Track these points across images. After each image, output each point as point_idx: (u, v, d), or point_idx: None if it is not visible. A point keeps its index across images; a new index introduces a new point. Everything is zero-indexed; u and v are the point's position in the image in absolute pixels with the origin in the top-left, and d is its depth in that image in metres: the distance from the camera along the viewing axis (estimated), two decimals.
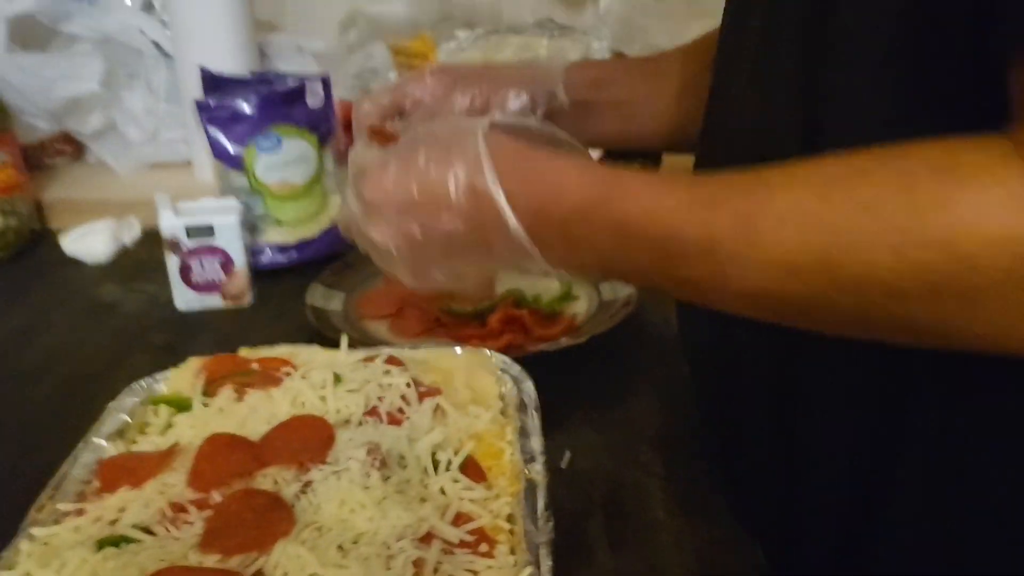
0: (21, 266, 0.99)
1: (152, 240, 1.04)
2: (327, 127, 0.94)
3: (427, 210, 0.46)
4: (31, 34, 1.07)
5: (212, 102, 0.89)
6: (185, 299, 0.86)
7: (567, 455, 0.63)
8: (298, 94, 0.91)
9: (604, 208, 0.43)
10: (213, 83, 0.96)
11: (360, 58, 1.42)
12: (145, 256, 1.00)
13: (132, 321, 0.86)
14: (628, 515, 0.57)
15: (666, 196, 0.43)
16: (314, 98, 0.92)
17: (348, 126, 0.68)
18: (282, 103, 0.91)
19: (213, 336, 0.81)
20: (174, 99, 1.13)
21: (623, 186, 0.44)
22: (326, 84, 0.93)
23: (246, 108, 0.89)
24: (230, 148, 0.90)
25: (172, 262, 0.85)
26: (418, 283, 0.51)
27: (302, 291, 0.86)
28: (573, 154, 0.49)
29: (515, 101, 0.67)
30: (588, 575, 0.52)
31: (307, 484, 0.49)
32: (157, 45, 1.12)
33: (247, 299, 0.88)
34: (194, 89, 0.98)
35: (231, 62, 1.04)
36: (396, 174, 0.47)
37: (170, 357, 0.69)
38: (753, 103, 0.51)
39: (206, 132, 0.90)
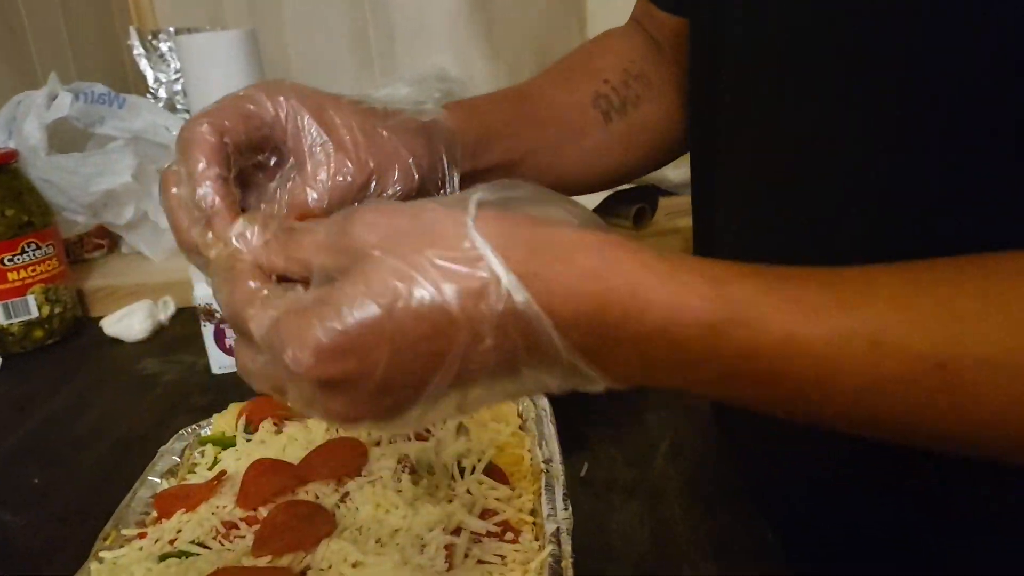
0: (67, 350, 1.05)
1: (185, 316, 1.11)
2: None
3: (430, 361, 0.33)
4: (68, 137, 1.17)
5: None
6: (220, 363, 0.92)
7: (585, 465, 0.67)
8: None
9: (718, 335, 0.33)
10: None
11: None
12: (180, 331, 1.07)
13: (173, 388, 0.91)
14: (647, 513, 0.61)
15: (813, 323, 0.33)
16: None
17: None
18: None
19: (248, 393, 0.86)
20: None
21: (749, 306, 0.33)
22: None
23: None
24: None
25: (207, 329, 0.91)
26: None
27: None
28: (624, 240, 0.35)
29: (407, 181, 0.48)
30: (611, 565, 0.56)
31: (345, 495, 0.54)
32: None
33: None
34: None
35: None
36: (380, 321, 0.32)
37: (211, 415, 0.75)
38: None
39: None
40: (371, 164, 0.46)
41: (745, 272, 0.34)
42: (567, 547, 0.48)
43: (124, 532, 0.54)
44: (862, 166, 0.46)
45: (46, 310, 1.04)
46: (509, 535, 0.50)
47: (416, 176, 0.48)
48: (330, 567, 0.46)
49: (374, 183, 0.46)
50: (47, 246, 1.04)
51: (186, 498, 0.55)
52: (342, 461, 0.57)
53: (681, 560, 0.56)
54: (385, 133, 0.47)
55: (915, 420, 0.33)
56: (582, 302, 0.33)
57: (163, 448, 0.64)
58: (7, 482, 0.75)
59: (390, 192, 0.47)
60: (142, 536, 0.53)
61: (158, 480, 0.60)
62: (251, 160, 0.45)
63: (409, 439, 0.60)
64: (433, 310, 0.32)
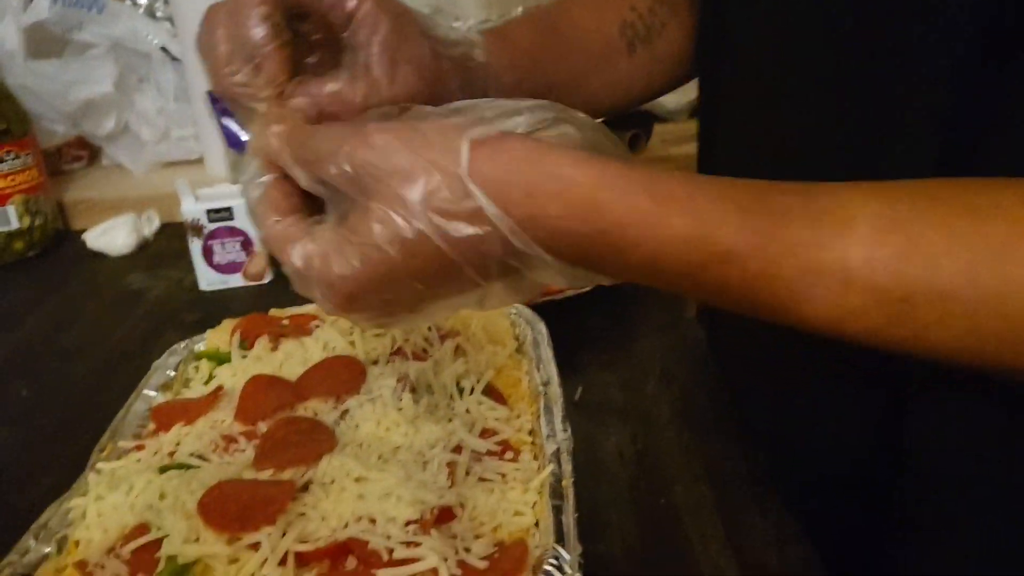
0: (49, 262, 1.03)
1: (170, 231, 1.09)
2: None
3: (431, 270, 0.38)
4: (44, 43, 1.12)
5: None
6: (208, 280, 0.91)
7: (579, 389, 0.67)
8: None
9: (696, 274, 0.37)
10: None
11: None
12: (165, 246, 1.05)
13: (160, 304, 0.90)
14: (640, 436, 0.62)
15: (790, 260, 0.36)
16: None
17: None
18: None
19: (239, 311, 0.85)
20: (182, 99, 1.18)
21: (729, 249, 0.36)
22: None
23: None
24: (243, 136, 0.94)
25: (195, 245, 0.90)
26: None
27: None
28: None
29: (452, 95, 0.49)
30: (604, 485, 0.57)
31: (344, 412, 0.54)
32: (164, 49, 1.16)
33: (267, 277, 0.92)
34: (202, 87, 1.03)
35: None
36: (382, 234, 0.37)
37: (201, 332, 0.74)
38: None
39: (219, 123, 0.94)
40: (425, 93, 0.46)
41: (729, 208, 0.36)
42: (567, 467, 0.49)
43: (121, 444, 0.54)
44: (870, 89, 0.45)
45: (26, 221, 1.02)
46: (509, 454, 0.51)
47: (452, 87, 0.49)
48: (333, 482, 0.46)
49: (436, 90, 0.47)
50: (26, 155, 1.01)
51: (184, 412, 0.55)
52: (341, 379, 0.56)
53: (674, 482, 0.57)
54: (446, 66, 0.48)
55: (880, 344, 0.37)
56: (576, 239, 0.36)
57: (157, 362, 0.64)
58: None
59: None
60: (140, 448, 0.53)
61: (153, 393, 0.60)
62: (304, 28, 0.45)
63: (408, 359, 0.60)
64: (436, 255, 0.37)
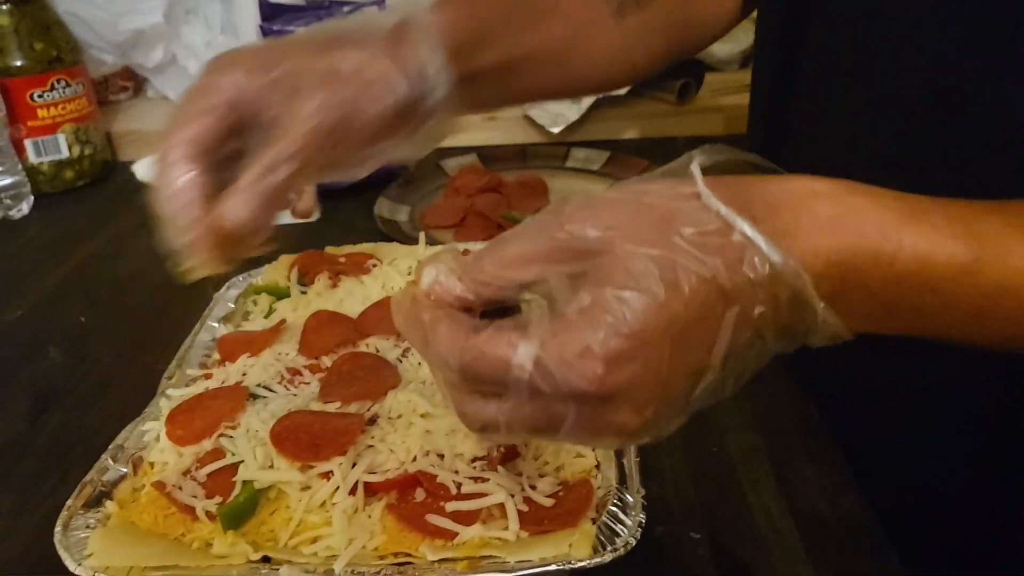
0: (99, 192, 1.05)
1: None
2: None
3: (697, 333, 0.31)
4: None
5: (275, 28, 0.93)
6: None
7: None
8: None
9: (970, 275, 0.33)
10: (271, 11, 1.00)
11: None
12: None
13: None
14: None
15: None
16: None
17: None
18: None
19: (289, 248, 0.86)
20: (228, 32, 1.17)
21: (999, 245, 0.33)
22: (381, 7, 0.97)
23: None
24: None
25: None
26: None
27: (364, 208, 0.91)
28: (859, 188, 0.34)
29: (386, 97, 0.45)
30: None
31: (406, 350, 0.55)
32: None
33: (315, 215, 0.93)
34: (250, 20, 1.02)
35: None
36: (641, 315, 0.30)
37: (253, 266, 0.75)
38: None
39: None
40: (337, 97, 0.43)
41: (986, 208, 0.34)
42: None
43: (189, 372, 0.55)
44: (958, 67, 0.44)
45: (76, 151, 1.03)
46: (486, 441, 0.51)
47: (401, 87, 0.45)
48: (399, 416, 0.48)
49: (354, 113, 0.43)
50: (76, 84, 1.01)
51: (249, 343, 0.56)
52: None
53: (725, 431, 0.57)
54: (350, 57, 0.44)
55: None
56: (832, 251, 0.32)
57: (217, 295, 0.65)
58: (55, 321, 0.76)
59: (372, 114, 0.44)
60: (207, 377, 0.54)
61: (216, 325, 0.61)
62: (232, 148, 0.44)
63: None
64: (702, 288, 0.30)
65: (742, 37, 1.20)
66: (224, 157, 0.43)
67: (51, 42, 0.99)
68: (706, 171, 0.33)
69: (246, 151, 0.43)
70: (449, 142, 0.81)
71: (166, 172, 0.42)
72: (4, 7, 0.96)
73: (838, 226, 0.32)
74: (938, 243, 0.32)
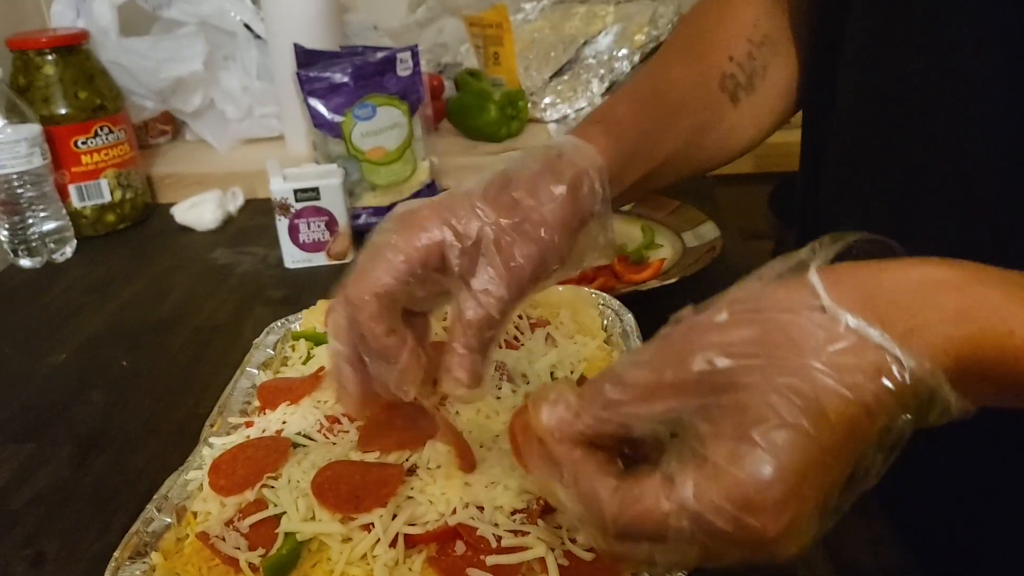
0: (139, 235, 1.07)
1: (253, 208, 1.12)
2: (416, 96, 1.00)
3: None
4: (134, 20, 1.15)
5: (311, 74, 0.95)
6: (293, 258, 0.93)
7: None
8: (389, 64, 0.97)
9: None
10: (307, 58, 1.02)
11: (431, 33, 1.49)
12: (248, 222, 1.08)
13: (247, 279, 0.93)
14: None
15: None
16: (404, 68, 0.98)
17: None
18: (375, 73, 0.97)
19: (324, 289, 0.87)
20: (264, 77, 1.20)
21: None
22: (415, 55, 0.99)
23: (343, 79, 0.95)
24: (329, 117, 0.96)
25: (281, 224, 0.92)
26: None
27: None
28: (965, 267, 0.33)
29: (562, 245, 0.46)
30: None
31: (444, 398, 0.55)
32: (248, 27, 1.19)
33: (350, 257, 0.94)
34: (287, 66, 1.05)
35: (319, 40, 1.10)
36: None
37: (289, 308, 0.76)
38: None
39: (306, 103, 0.96)
40: (533, 247, 0.44)
41: None
42: None
43: (230, 420, 0.56)
44: (997, 139, 0.44)
45: (118, 195, 1.06)
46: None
47: (574, 222, 0.46)
48: (438, 467, 0.48)
49: (548, 256, 0.45)
50: (119, 130, 1.04)
51: (289, 391, 0.57)
52: (438, 364, 0.58)
53: None
54: (530, 202, 0.45)
55: None
56: (961, 346, 0.31)
57: (256, 341, 0.66)
58: (97, 365, 0.77)
59: (564, 251, 0.45)
60: (248, 425, 0.55)
61: (256, 371, 0.62)
62: (427, 293, 0.45)
63: (501, 347, 0.61)
64: (848, 411, 0.30)
65: None
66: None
67: (95, 91, 1.02)
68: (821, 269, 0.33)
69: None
70: None
71: (370, 327, 0.43)
72: (50, 57, 0.99)
73: (964, 319, 0.31)
74: (1005, 290, 0.32)
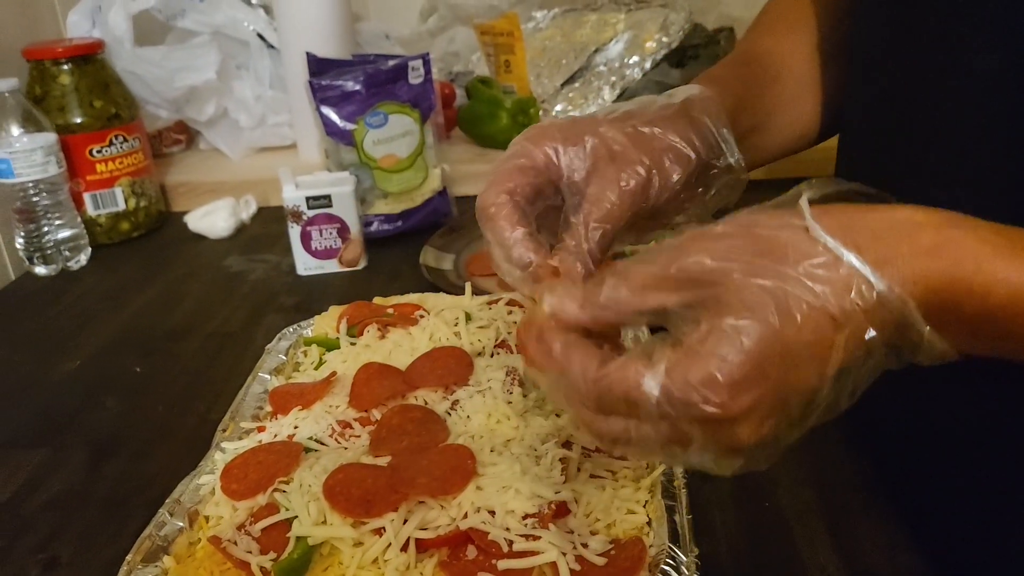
0: (153, 243, 1.08)
1: (266, 216, 1.12)
2: (427, 103, 1.00)
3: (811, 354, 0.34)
4: (148, 30, 1.16)
5: (323, 82, 0.96)
6: (306, 265, 0.94)
7: None
8: (401, 72, 0.98)
9: None
10: (319, 66, 1.02)
11: (442, 42, 1.49)
12: (260, 230, 1.09)
13: (260, 286, 0.93)
14: None
15: None
16: (416, 76, 0.99)
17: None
18: (387, 81, 0.97)
19: (336, 296, 0.88)
20: (277, 86, 1.21)
21: None
22: (426, 63, 0.99)
23: (355, 87, 0.95)
24: (341, 125, 0.97)
25: (293, 231, 0.92)
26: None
27: (410, 256, 0.93)
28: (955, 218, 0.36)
29: (682, 163, 0.50)
30: (706, 487, 0.57)
31: (455, 403, 0.55)
32: (261, 36, 1.20)
33: (361, 264, 0.95)
34: (299, 75, 1.05)
35: (332, 49, 1.11)
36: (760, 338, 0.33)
37: (301, 315, 0.77)
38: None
39: (319, 111, 0.97)
40: (645, 161, 0.47)
41: None
42: (678, 468, 0.49)
43: (243, 425, 0.56)
44: None
45: (132, 203, 1.06)
46: (617, 452, 0.52)
47: (692, 155, 0.49)
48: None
49: (655, 177, 0.47)
50: (133, 139, 1.05)
51: (300, 396, 0.57)
52: (449, 369, 0.58)
53: (776, 486, 0.57)
54: (645, 129, 0.49)
55: None
56: (930, 278, 0.34)
57: (269, 346, 0.66)
58: (111, 371, 0.78)
59: (675, 179, 0.48)
60: (260, 430, 0.55)
61: (268, 377, 0.62)
62: (542, 206, 0.48)
63: (512, 352, 0.61)
64: (813, 315, 0.33)
65: None
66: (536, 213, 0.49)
67: (110, 100, 1.03)
68: (814, 203, 0.35)
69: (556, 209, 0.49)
70: None
71: (495, 221, 0.46)
72: (66, 67, 1.00)
73: (936, 255, 0.34)
74: (979, 235, 0.34)
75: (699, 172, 0.50)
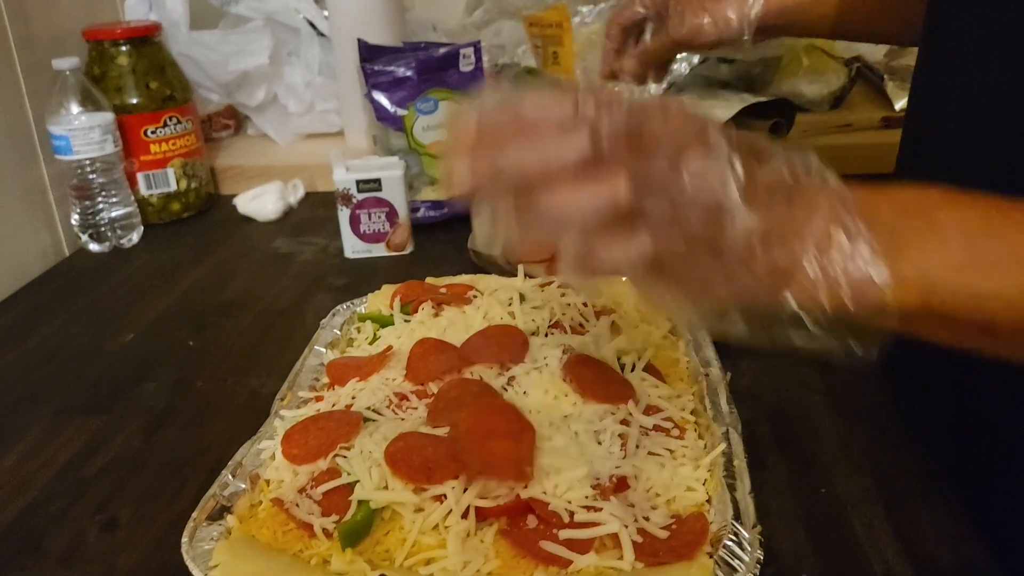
0: (203, 224, 1.09)
1: (313, 201, 1.14)
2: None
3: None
4: (202, 15, 1.18)
5: (376, 68, 0.96)
6: (354, 248, 0.94)
7: (727, 375, 0.67)
8: (452, 60, 0.98)
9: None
10: (371, 52, 1.03)
11: (488, 35, 1.49)
12: (309, 214, 1.10)
13: (308, 268, 0.94)
14: (793, 423, 0.61)
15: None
16: (467, 64, 0.99)
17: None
18: (438, 68, 0.98)
19: (384, 279, 0.88)
20: (325, 73, 1.22)
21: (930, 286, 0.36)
22: (477, 51, 1.00)
23: (406, 73, 0.96)
24: (391, 110, 0.97)
25: (343, 214, 0.93)
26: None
27: (456, 242, 0.93)
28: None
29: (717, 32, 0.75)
30: (762, 472, 0.56)
31: (511, 379, 0.55)
32: (311, 23, 1.21)
33: (408, 248, 0.95)
34: (349, 62, 1.06)
35: (381, 36, 1.11)
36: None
37: (349, 296, 0.77)
38: None
39: (370, 96, 0.97)
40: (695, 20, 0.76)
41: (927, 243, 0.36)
42: (738, 447, 0.49)
43: (300, 394, 0.57)
44: None
45: (184, 184, 1.08)
46: (675, 431, 0.51)
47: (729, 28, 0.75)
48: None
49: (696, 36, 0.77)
50: (187, 121, 1.07)
51: (357, 368, 0.58)
52: (504, 346, 0.58)
53: (831, 474, 0.56)
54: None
55: None
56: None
57: (323, 321, 0.67)
58: (164, 344, 0.79)
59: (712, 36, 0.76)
60: (318, 399, 0.56)
61: (323, 350, 0.63)
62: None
63: (566, 332, 0.61)
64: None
65: (832, 79, 1.19)
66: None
67: (165, 82, 1.04)
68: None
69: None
70: None
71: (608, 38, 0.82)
72: (124, 48, 1.02)
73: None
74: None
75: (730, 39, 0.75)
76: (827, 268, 0.34)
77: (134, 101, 1.02)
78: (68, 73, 0.94)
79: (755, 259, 0.35)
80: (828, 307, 0.35)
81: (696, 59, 1.27)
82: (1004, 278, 0.35)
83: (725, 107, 1.07)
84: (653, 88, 1.29)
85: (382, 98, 0.97)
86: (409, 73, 0.96)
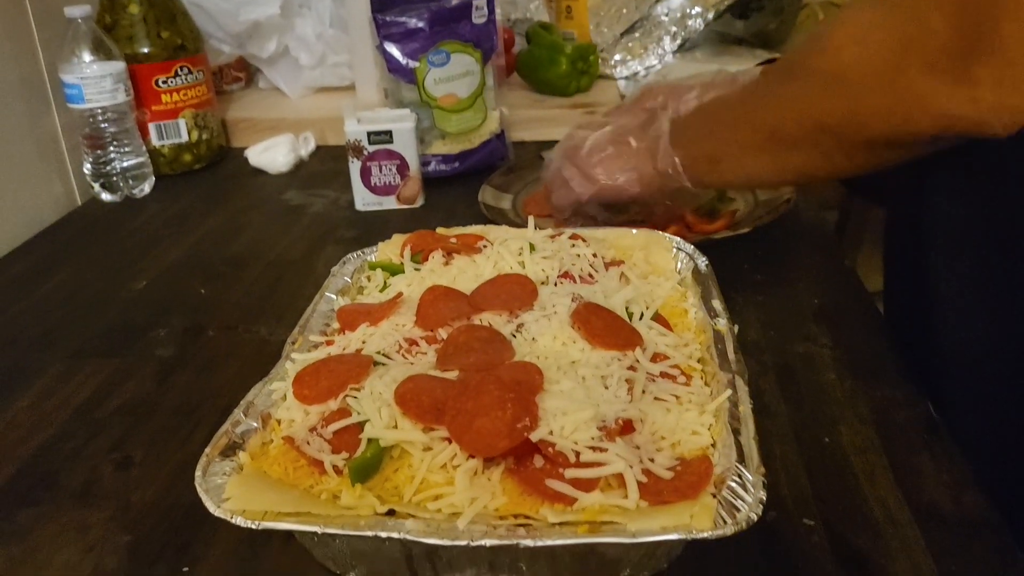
0: (215, 175, 1.10)
1: (324, 154, 1.14)
2: (490, 44, 1.00)
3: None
4: None
5: (388, 18, 0.96)
6: (364, 200, 0.95)
7: (735, 328, 0.67)
8: (465, 11, 0.97)
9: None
10: (383, 3, 1.02)
11: None
12: (319, 167, 1.10)
13: (319, 219, 0.95)
14: (799, 376, 0.62)
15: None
16: (479, 16, 0.98)
17: None
18: (450, 20, 0.97)
19: (395, 231, 0.89)
20: (337, 26, 1.21)
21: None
22: (490, 2, 0.99)
23: (418, 24, 0.95)
24: (403, 62, 0.97)
25: (354, 166, 0.93)
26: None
27: (466, 196, 0.93)
28: None
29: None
30: (767, 421, 0.57)
31: (520, 326, 0.55)
32: None
33: (419, 202, 0.95)
34: (361, 14, 1.05)
35: None
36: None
37: (360, 247, 0.77)
38: None
39: (381, 47, 0.97)
40: None
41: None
42: (744, 394, 0.49)
43: (311, 338, 0.57)
44: None
45: (195, 135, 1.08)
46: (681, 379, 0.52)
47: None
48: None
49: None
50: (198, 71, 1.07)
51: (368, 314, 0.58)
52: (514, 295, 0.58)
53: (836, 423, 0.57)
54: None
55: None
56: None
57: (334, 269, 0.67)
58: (176, 292, 0.80)
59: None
60: (329, 343, 0.56)
61: (334, 296, 0.63)
62: None
63: (576, 282, 0.61)
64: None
65: None
66: None
67: (176, 31, 1.04)
68: None
69: None
70: (551, 134, 0.97)
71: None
72: None
73: None
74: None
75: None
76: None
77: (145, 50, 1.02)
78: (80, 21, 0.94)
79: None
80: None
81: (711, 15, 1.26)
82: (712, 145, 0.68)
83: (739, 64, 1.05)
84: (668, 45, 1.28)
85: (394, 49, 0.96)
86: (421, 24, 0.96)
